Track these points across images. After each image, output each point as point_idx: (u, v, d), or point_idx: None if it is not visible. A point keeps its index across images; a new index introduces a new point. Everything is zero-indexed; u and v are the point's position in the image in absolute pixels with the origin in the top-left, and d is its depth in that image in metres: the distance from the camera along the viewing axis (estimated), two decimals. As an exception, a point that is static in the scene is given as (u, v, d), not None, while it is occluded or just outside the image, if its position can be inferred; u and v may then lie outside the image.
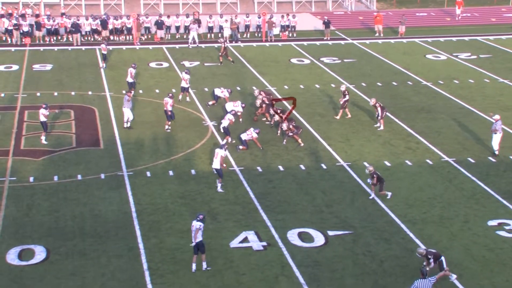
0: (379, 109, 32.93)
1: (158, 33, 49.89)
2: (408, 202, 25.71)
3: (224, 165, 26.65)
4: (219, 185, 26.43)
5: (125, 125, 32.58)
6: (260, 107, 34.09)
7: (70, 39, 49.02)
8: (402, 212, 24.94)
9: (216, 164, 26.32)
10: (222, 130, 31.03)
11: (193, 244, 20.97)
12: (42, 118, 30.73)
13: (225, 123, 30.79)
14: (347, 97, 34.37)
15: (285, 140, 30.92)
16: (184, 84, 36.71)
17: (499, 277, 20.98)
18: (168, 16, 51.01)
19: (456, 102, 37.18)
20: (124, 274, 20.94)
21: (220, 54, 44.35)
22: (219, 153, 26.28)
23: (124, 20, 50.12)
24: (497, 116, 30.13)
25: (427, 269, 19.93)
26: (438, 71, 43.35)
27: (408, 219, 24.44)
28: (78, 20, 49.27)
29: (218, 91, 35.74)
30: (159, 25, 49.84)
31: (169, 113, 32.29)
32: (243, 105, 33.79)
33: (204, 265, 21.06)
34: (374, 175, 25.68)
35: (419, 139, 31.87)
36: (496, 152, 29.82)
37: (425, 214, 24.82)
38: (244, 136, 30.26)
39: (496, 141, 29.81)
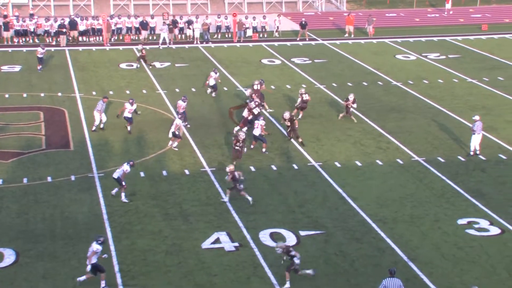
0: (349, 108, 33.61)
1: (143, 33, 49.77)
2: (379, 202, 25.86)
3: (123, 183, 25.65)
4: (122, 194, 25.54)
5: (94, 129, 32.30)
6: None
7: (57, 40, 48.68)
8: (373, 211, 25.08)
9: (116, 174, 25.55)
10: (170, 135, 30.35)
11: (89, 266, 20.07)
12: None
13: (175, 128, 30.17)
14: (304, 98, 34.22)
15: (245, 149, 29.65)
16: (212, 81, 37.61)
17: (469, 275, 21.18)
18: (136, 17, 50.82)
19: (425, 102, 37.49)
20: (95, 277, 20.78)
21: (139, 57, 43.67)
22: (123, 167, 25.60)
23: (96, 19, 50.02)
24: (476, 117, 30.33)
25: (395, 269, 19.97)
26: (408, 71, 43.70)
27: (379, 218, 24.58)
28: (64, 21, 48.88)
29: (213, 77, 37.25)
30: (144, 25, 49.71)
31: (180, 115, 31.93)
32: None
33: (103, 284, 20.12)
34: (229, 174, 25.36)
35: (390, 138, 32.08)
36: (472, 153, 30.04)
37: (396, 214, 24.99)
38: (255, 132, 30.07)
39: (474, 142, 30.02)
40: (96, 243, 20.08)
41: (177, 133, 30.13)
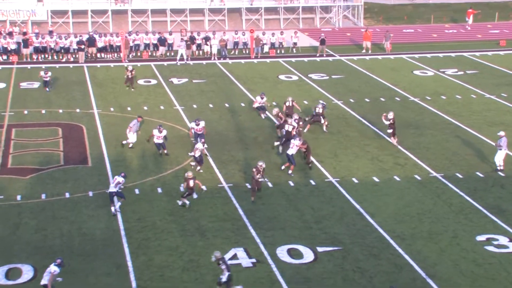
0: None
1: (160, 49, 50.02)
2: (396, 218, 25.73)
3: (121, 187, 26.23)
4: (118, 203, 25.83)
5: (124, 142, 32.30)
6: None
7: (75, 56, 48.99)
8: (391, 227, 24.95)
9: (112, 188, 25.83)
10: (194, 160, 29.79)
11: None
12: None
13: (197, 153, 29.55)
14: (317, 110, 34.65)
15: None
16: (257, 104, 36.79)
17: (489, 292, 21.01)
18: (138, 33, 51.08)
19: (443, 118, 37.34)
20: (112, 292, 20.82)
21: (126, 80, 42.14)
22: (118, 179, 25.91)
23: (113, 36, 50.39)
24: (501, 133, 30.16)
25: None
26: (426, 87, 43.57)
27: (397, 234, 24.45)
28: (83, 38, 49.28)
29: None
30: (162, 42, 49.98)
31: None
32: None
33: None
34: (185, 181, 26.03)
35: (407, 154, 31.94)
36: (499, 168, 29.84)
37: (414, 230, 24.84)
38: (290, 151, 29.53)
39: (499, 157, 29.83)
40: (54, 265, 19.98)
41: (196, 156, 29.67)
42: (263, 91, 38.38)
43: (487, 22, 65.39)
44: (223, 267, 20.42)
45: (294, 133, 31.43)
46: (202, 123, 32.03)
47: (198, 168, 29.67)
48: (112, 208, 25.82)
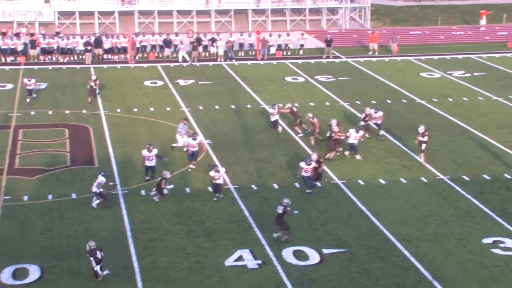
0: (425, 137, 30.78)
1: (166, 51, 50.00)
2: (403, 220, 25.70)
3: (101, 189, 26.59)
4: (97, 201, 26.42)
5: (174, 145, 31.91)
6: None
7: (82, 57, 49.07)
8: (397, 229, 24.92)
9: (94, 188, 26.28)
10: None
11: None
12: None
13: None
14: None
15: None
16: (272, 117, 35.16)
17: (495, 294, 20.98)
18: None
19: (450, 120, 37.29)
20: (118, 293, 20.86)
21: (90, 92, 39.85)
22: (98, 179, 26.29)
23: (118, 39, 50.46)
24: None
25: None
26: (432, 89, 43.51)
27: (403, 236, 24.42)
28: (90, 39, 49.37)
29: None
30: (167, 43, 49.98)
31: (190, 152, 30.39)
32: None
33: None
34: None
35: (414, 157, 31.89)
36: None
37: (420, 232, 24.81)
38: (304, 174, 27.58)
39: None
40: None
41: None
42: (273, 103, 36.38)
43: (494, 24, 65.26)
44: (91, 258, 20.90)
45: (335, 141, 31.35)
46: (198, 139, 30.51)
47: (192, 165, 29.76)
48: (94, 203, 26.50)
